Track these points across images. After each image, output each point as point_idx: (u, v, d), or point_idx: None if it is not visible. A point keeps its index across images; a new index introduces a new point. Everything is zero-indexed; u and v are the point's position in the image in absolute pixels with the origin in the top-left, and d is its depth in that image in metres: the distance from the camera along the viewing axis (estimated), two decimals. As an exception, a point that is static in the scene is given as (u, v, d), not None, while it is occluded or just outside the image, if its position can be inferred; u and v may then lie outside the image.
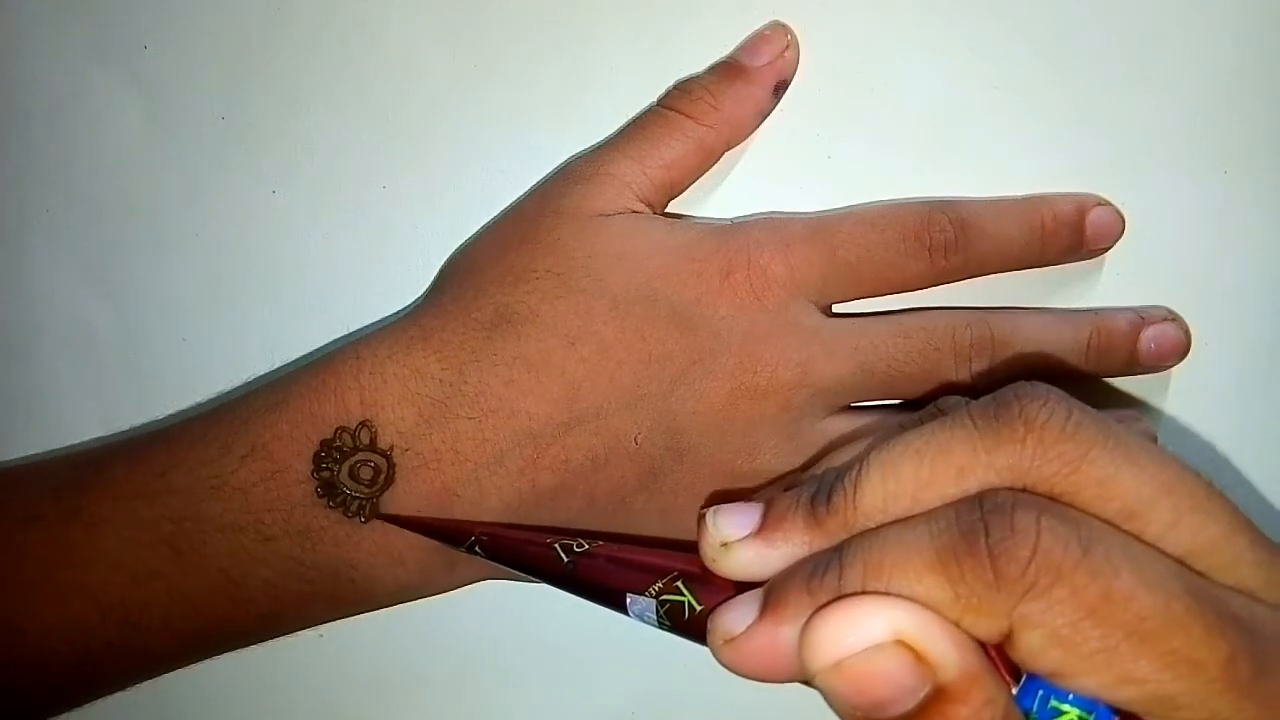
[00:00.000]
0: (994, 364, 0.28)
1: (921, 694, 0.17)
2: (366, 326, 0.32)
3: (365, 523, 0.27)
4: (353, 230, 0.32)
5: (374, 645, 0.32)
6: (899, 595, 0.17)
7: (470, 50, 0.31)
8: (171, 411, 0.33)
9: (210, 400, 0.32)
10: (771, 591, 0.19)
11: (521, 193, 0.31)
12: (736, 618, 0.19)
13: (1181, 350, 0.29)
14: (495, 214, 0.31)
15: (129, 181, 0.33)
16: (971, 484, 0.18)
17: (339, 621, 0.29)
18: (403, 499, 0.27)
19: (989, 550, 0.17)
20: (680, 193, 0.30)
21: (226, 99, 0.33)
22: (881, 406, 0.30)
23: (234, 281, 0.33)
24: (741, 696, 0.32)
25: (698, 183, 0.30)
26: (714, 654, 0.19)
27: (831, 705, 0.18)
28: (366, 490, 0.26)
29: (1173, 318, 0.29)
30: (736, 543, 0.20)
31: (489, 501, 0.27)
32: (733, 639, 0.19)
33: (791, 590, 0.18)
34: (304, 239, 0.32)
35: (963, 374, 0.28)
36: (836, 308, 0.30)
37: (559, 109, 0.31)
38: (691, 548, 0.21)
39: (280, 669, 0.32)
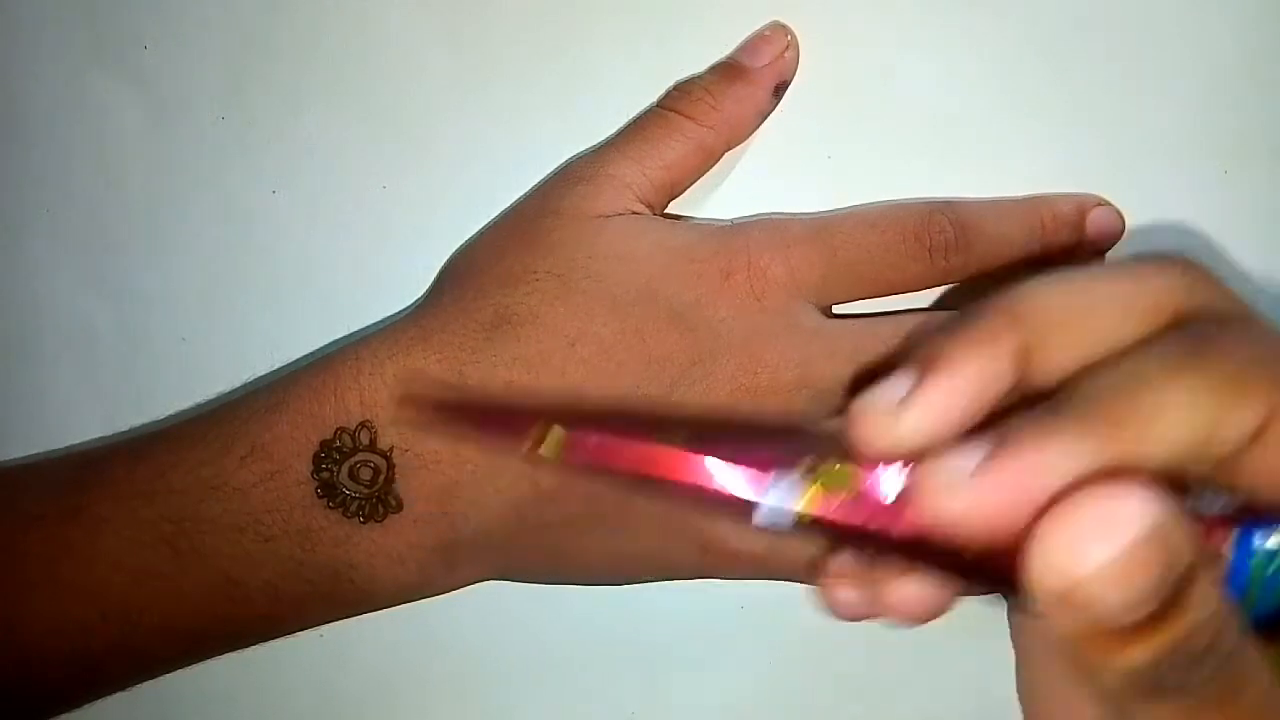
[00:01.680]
0: None
1: (1165, 592, 0.16)
2: (367, 326, 0.32)
3: (364, 523, 0.27)
4: (353, 230, 0.32)
5: (374, 645, 0.32)
6: (1154, 423, 0.17)
7: (470, 50, 0.31)
8: (171, 411, 0.33)
9: (210, 400, 0.32)
10: (1005, 432, 0.17)
11: (522, 193, 0.31)
12: (963, 460, 0.17)
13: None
14: (495, 215, 0.31)
15: (129, 181, 0.33)
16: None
17: (339, 621, 0.29)
18: (402, 500, 0.27)
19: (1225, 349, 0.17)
20: (680, 193, 0.30)
21: (226, 99, 0.32)
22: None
23: (234, 281, 0.33)
24: (742, 697, 0.32)
25: (698, 183, 0.30)
26: (933, 504, 0.17)
27: (1045, 604, 0.16)
28: (366, 491, 0.26)
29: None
30: (903, 401, 0.18)
31: (489, 502, 0.27)
32: (966, 478, 0.17)
33: (1026, 428, 0.17)
34: (304, 239, 0.32)
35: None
36: (837, 308, 0.30)
37: (559, 109, 0.31)
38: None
39: (280, 669, 0.32)
